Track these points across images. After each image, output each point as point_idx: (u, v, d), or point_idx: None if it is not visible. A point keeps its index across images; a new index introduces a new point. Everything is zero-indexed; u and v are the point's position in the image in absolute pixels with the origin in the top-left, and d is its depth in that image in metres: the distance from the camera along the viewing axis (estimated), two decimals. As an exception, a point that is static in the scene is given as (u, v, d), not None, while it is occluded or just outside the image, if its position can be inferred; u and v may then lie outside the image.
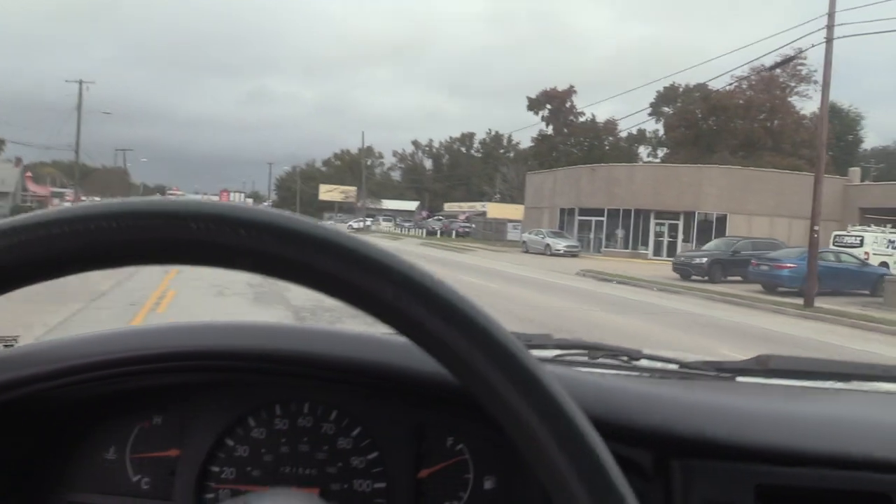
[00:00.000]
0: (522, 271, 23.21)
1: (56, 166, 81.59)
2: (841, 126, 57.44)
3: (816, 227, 16.03)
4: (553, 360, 1.08)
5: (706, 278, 21.90)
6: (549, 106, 79.96)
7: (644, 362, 1.12)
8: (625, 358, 1.12)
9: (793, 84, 53.02)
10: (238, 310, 10.48)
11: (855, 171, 38.71)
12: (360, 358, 0.78)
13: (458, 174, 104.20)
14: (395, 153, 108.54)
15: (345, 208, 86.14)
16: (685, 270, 23.10)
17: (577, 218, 36.76)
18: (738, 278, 21.52)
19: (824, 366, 1.23)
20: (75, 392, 0.80)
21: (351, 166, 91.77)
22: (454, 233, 51.15)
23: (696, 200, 32.95)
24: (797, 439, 0.78)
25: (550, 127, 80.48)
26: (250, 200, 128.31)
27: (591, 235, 36.55)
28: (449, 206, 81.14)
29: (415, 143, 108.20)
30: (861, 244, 23.50)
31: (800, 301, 16.04)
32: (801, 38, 37.51)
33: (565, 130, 77.53)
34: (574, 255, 33.36)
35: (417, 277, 0.42)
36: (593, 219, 36.15)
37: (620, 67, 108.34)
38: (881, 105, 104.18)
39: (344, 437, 0.85)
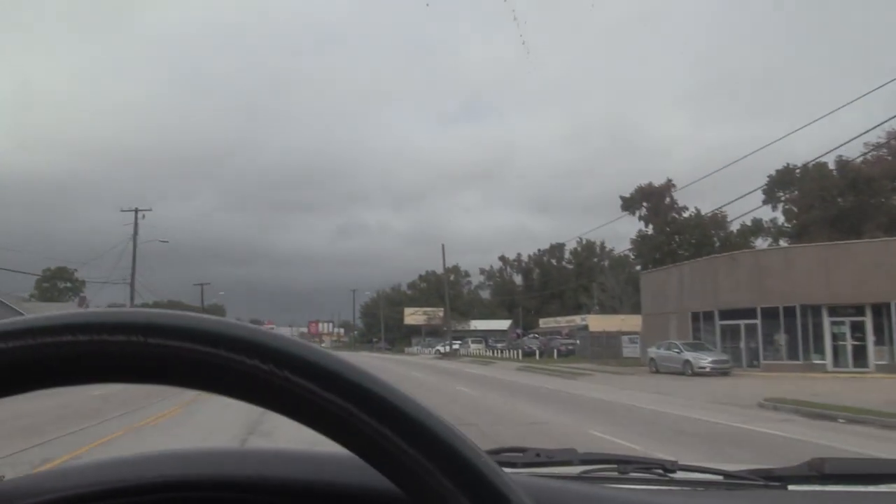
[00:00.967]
0: (672, 407, 14.97)
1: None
2: None
3: None
4: (578, 478, 0.95)
5: None
6: (645, 204, 72.33)
7: (681, 475, 1.00)
8: (659, 471, 1.01)
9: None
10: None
11: None
12: (328, 480, 0.66)
13: (551, 288, 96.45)
14: (482, 271, 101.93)
15: (433, 331, 79.19)
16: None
17: (718, 323, 27.97)
18: None
19: (884, 467, 1.08)
20: None
21: (437, 287, 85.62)
22: (555, 352, 42.88)
23: (889, 285, 23.81)
24: None
25: (650, 227, 72.48)
26: (341, 330, 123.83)
27: (742, 345, 27.52)
28: (545, 322, 72.85)
29: (502, 258, 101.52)
30: None
31: None
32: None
33: (668, 229, 69.21)
34: (725, 374, 24.46)
35: (371, 387, 0.39)
36: (741, 322, 27.28)
37: (709, 166, 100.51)
38: None
39: None
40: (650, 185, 68.98)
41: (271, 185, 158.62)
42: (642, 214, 70.82)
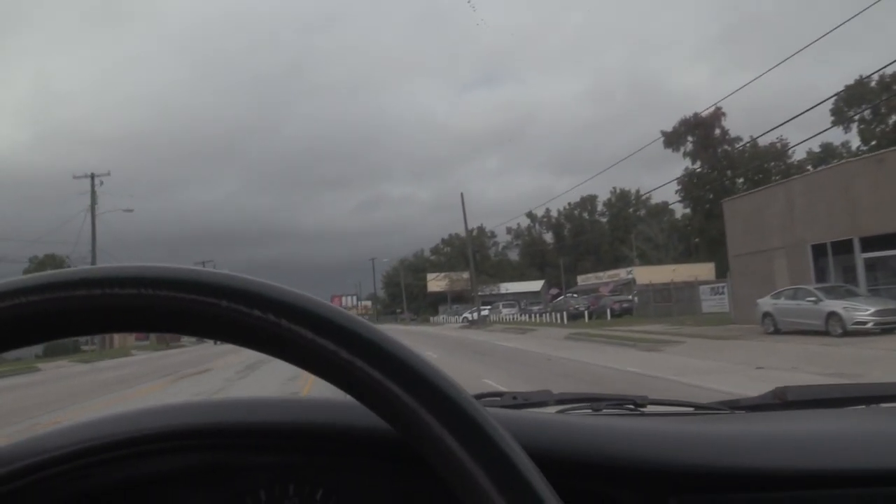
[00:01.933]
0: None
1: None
2: None
3: None
4: (553, 415, 0.93)
5: None
6: (690, 138, 62.81)
7: (651, 408, 1.04)
8: (631, 406, 1.04)
9: None
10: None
11: None
12: (331, 422, 0.69)
13: (585, 243, 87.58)
14: (508, 230, 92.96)
15: (459, 297, 70.91)
16: None
17: (861, 257, 19.31)
18: None
19: (846, 391, 1.12)
20: (38, 493, 0.68)
21: (462, 250, 77.10)
22: (608, 311, 34.39)
23: None
24: (814, 460, 0.69)
25: (698, 163, 63.04)
26: (368, 303, 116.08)
27: (901, 285, 18.86)
28: (584, 280, 64.37)
29: (530, 215, 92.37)
30: None
31: None
32: None
33: (723, 162, 59.69)
34: (893, 331, 15.98)
35: (363, 332, 0.41)
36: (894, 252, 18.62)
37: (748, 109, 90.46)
38: None
39: None
40: (697, 115, 59.29)
41: (290, 163, 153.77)
42: (687, 151, 61.39)
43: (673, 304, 30.04)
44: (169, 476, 0.72)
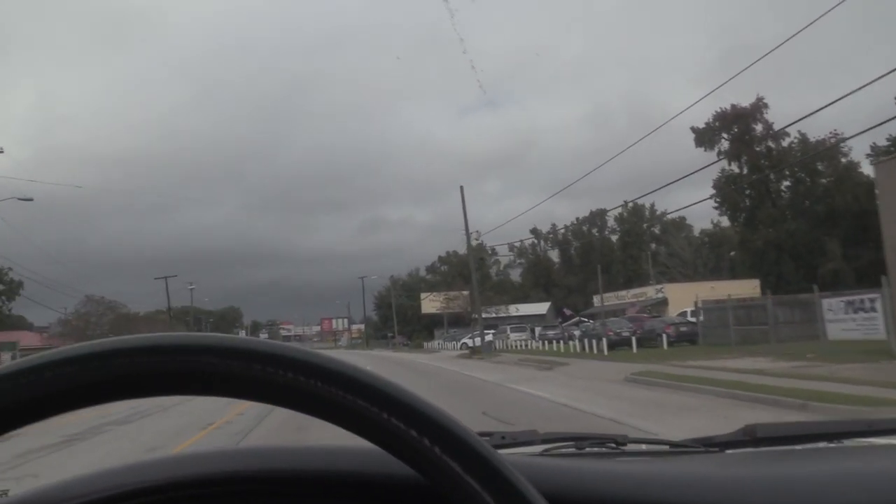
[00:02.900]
0: None
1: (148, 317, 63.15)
2: None
3: None
4: (539, 456, 1.01)
5: None
6: (725, 136, 53.65)
7: (632, 447, 1.09)
8: (612, 445, 1.09)
9: None
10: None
11: None
12: (359, 470, 0.70)
13: (594, 261, 78.01)
14: (511, 247, 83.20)
15: (457, 320, 60.84)
16: None
17: None
18: None
19: (813, 428, 1.17)
20: None
21: (460, 269, 67.39)
22: (664, 339, 24.89)
23: None
24: (785, 500, 0.71)
25: (734, 165, 53.91)
26: (361, 326, 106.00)
27: None
28: (606, 298, 54.74)
29: (534, 231, 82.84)
30: None
31: None
32: None
33: (764, 162, 50.51)
34: None
35: (380, 386, 0.45)
36: None
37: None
38: None
39: None
40: (736, 107, 50.23)
41: (288, 186, 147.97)
42: (721, 150, 52.21)
43: (770, 327, 20.49)
44: None
